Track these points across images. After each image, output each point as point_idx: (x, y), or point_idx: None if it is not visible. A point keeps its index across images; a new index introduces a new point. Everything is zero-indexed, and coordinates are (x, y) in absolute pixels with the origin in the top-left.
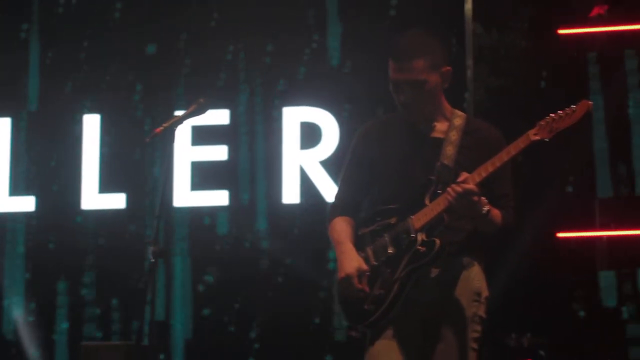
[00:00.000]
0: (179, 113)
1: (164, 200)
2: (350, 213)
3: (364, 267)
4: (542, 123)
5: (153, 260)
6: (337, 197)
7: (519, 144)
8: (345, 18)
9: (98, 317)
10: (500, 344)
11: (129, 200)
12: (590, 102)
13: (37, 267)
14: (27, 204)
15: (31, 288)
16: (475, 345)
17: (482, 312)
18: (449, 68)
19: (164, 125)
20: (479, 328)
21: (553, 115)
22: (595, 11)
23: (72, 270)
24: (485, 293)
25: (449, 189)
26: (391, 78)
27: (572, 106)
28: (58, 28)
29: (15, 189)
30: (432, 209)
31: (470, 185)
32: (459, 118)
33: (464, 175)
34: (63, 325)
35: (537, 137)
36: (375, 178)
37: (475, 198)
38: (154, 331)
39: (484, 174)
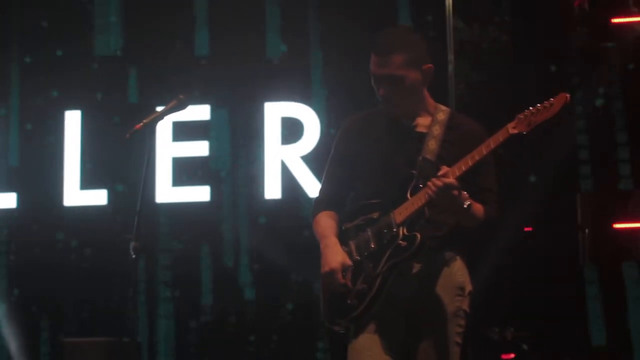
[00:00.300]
0: (159, 109)
1: (144, 196)
2: (334, 208)
3: (348, 261)
4: (521, 116)
5: (134, 256)
6: (321, 192)
7: (498, 137)
8: (326, 14)
9: (80, 314)
10: (483, 338)
11: (110, 197)
12: (568, 95)
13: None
14: (8, 200)
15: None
16: (458, 340)
17: (465, 306)
18: (430, 65)
19: (144, 121)
20: (462, 323)
21: (532, 108)
22: (577, 3)
23: (54, 268)
24: (468, 287)
25: (429, 183)
26: (371, 72)
27: (550, 99)
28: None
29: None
30: (413, 203)
31: (451, 179)
32: (442, 113)
33: (444, 169)
34: (44, 322)
35: (516, 131)
36: (358, 173)
37: (456, 192)
38: (136, 327)
39: (464, 168)
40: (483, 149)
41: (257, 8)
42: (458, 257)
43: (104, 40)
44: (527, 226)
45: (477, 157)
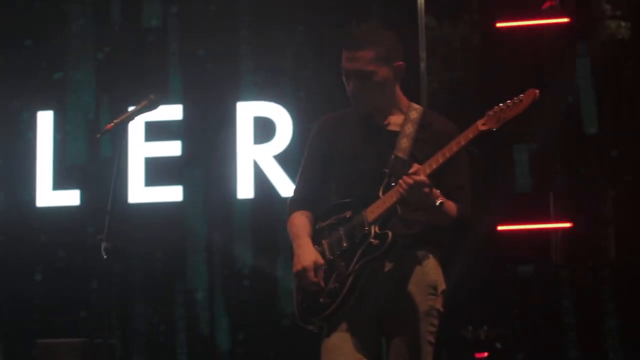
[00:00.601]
0: (130, 109)
1: (115, 196)
2: (308, 207)
3: (320, 260)
4: (491, 113)
5: (106, 256)
6: (295, 191)
7: (468, 134)
8: (298, 12)
9: (52, 315)
10: (457, 337)
11: (82, 198)
12: (537, 91)
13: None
14: None
15: None
16: (432, 339)
17: (438, 305)
18: (401, 63)
19: (115, 121)
20: (435, 322)
21: (501, 105)
22: (547, 4)
23: (26, 268)
24: (441, 286)
25: (400, 181)
26: (342, 67)
27: (520, 95)
28: None
29: None
30: (384, 202)
31: (421, 177)
32: (415, 111)
33: (415, 167)
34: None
35: (485, 127)
36: (332, 172)
37: (427, 190)
38: (109, 327)
39: (434, 165)
40: (453, 146)
41: (229, 7)
42: (431, 256)
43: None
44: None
45: (447, 154)
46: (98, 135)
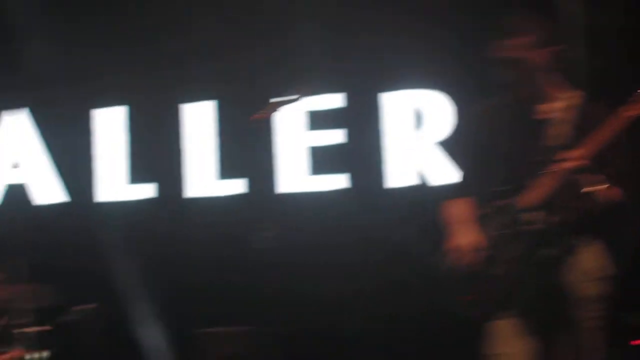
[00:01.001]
0: (279, 99)
1: (275, 185)
2: (467, 194)
3: (481, 243)
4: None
5: (265, 246)
6: (455, 178)
7: (623, 118)
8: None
9: (216, 304)
10: (620, 322)
11: (244, 186)
12: None
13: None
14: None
15: None
16: (596, 325)
17: (603, 291)
18: (555, 48)
19: (264, 111)
20: (600, 307)
21: None
22: None
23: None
24: (605, 272)
25: (559, 167)
26: (496, 55)
27: None
28: None
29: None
30: (543, 189)
31: (580, 162)
32: (570, 97)
33: (573, 153)
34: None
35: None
36: (491, 159)
37: (586, 175)
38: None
39: (594, 150)
40: (610, 130)
41: None
42: (593, 241)
43: None
44: None
45: (605, 138)
46: (250, 125)
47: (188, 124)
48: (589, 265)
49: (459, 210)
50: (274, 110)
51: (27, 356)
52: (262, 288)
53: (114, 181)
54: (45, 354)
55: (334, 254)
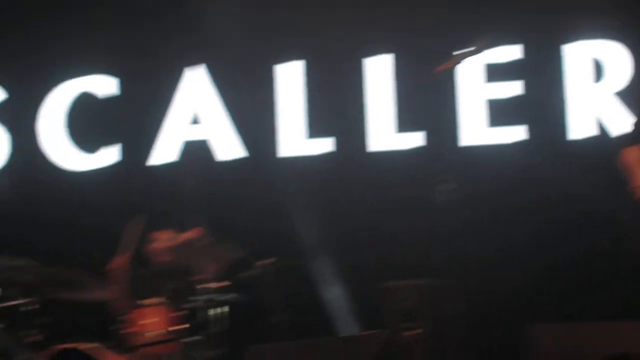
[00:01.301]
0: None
1: (454, 138)
2: None
3: None
4: None
5: (446, 200)
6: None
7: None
8: None
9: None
10: None
11: (424, 139)
12: None
13: None
14: (323, 145)
15: None
16: None
17: None
18: None
19: (447, 63)
20: None
21: None
22: None
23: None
24: None
25: None
26: None
27: None
28: None
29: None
30: None
31: None
32: None
33: None
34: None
35: None
36: None
37: None
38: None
39: None
40: None
41: None
42: None
43: None
44: None
45: None
46: (434, 77)
47: (367, 77)
48: None
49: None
50: (457, 62)
51: (211, 311)
52: (441, 241)
53: (293, 136)
54: (226, 308)
55: (513, 207)
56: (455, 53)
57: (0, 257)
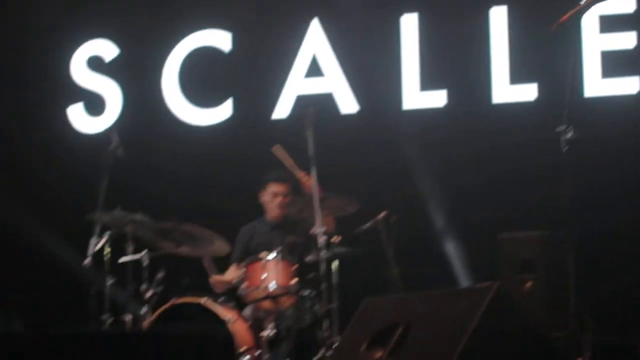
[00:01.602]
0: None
1: (572, 90)
2: None
3: None
4: None
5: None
6: None
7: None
8: None
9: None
10: None
11: (540, 91)
12: None
13: None
14: (438, 99)
15: None
16: None
17: None
18: None
19: (568, 14)
20: None
21: None
22: None
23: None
24: None
25: None
26: None
27: None
28: None
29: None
30: None
31: None
32: None
33: None
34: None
35: None
36: None
37: None
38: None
39: None
40: None
41: None
42: None
43: None
44: None
45: None
46: (552, 28)
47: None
48: None
49: None
50: (579, 13)
51: (325, 265)
52: (557, 191)
53: (414, 88)
54: (341, 262)
55: (629, 160)
56: (582, 3)
57: (116, 211)
